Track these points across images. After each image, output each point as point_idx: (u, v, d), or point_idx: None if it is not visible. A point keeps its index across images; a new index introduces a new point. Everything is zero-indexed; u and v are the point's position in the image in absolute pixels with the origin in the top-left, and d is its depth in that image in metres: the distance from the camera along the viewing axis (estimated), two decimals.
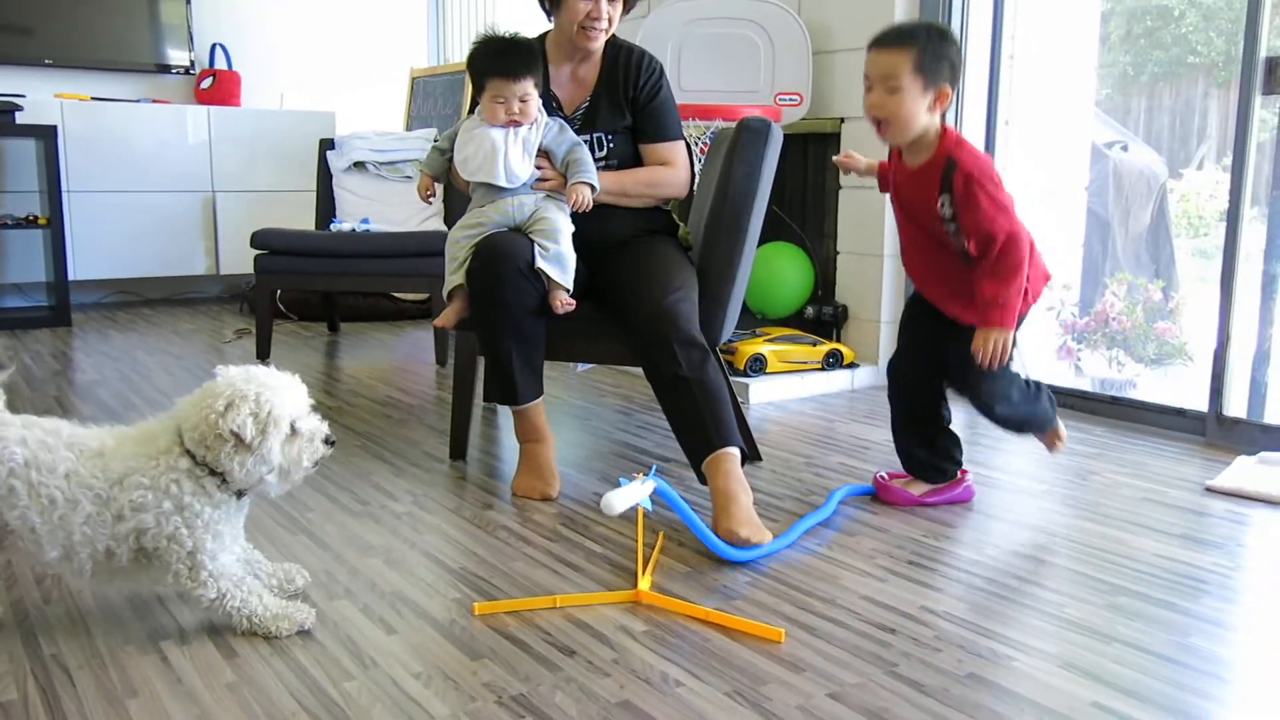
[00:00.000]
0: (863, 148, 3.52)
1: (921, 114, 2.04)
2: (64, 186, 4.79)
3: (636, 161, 2.49)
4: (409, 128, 5.85)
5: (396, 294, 4.97)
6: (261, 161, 5.50)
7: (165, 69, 5.53)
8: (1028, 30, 3.48)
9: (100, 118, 5.07)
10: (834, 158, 2.36)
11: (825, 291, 3.76)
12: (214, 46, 5.65)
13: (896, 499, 2.32)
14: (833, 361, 3.52)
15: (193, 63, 5.58)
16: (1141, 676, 1.52)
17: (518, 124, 2.27)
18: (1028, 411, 2.28)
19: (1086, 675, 1.52)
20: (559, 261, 2.25)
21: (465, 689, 1.45)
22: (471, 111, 2.40)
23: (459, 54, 6.32)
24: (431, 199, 2.47)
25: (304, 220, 5.04)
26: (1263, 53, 2.74)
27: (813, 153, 3.78)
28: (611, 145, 2.46)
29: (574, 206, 2.28)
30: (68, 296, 4.72)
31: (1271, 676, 1.55)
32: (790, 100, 3.59)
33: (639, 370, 3.28)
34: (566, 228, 2.28)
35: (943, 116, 2.09)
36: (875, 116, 2.06)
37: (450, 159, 2.38)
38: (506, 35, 2.32)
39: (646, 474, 1.87)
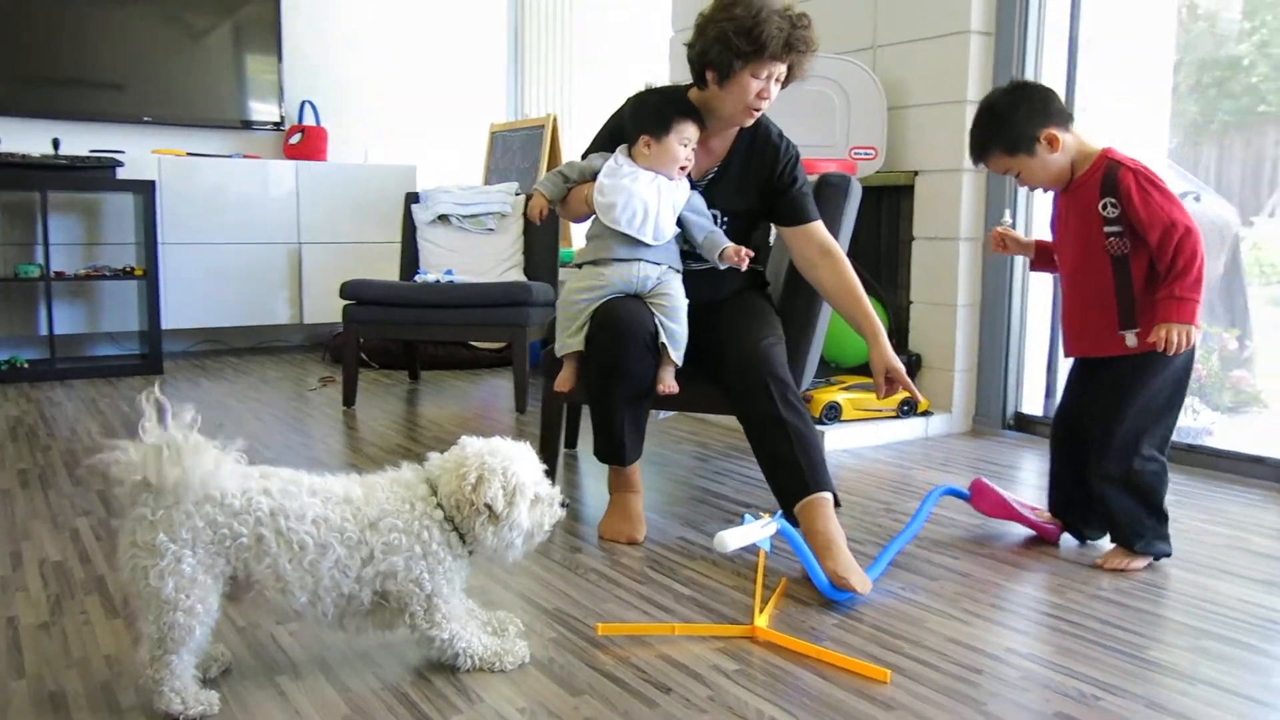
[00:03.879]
0: (935, 200, 3.59)
1: (1050, 164, 2.20)
2: (159, 239, 5.00)
3: (746, 245, 2.44)
4: (488, 181, 6.03)
5: (474, 343, 5.10)
6: (346, 214, 5.71)
7: (256, 125, 5.78)
8: (1098, 80, 3.52)
9: (194, 172, 5.31)
10: (993, 245, 2.41)
11: (899, 340, 3.80)
12: (303, 104, 5.89)
13: (989, 506, 2.43)
14: (907, 410, 3.55)
15: (282, 119, 5.83)
16: (1227, 716, 1.54)
17: (685, 171, 2.34)
18: (1157, 484, 2.22)
19: (1173, 715, 1.54)
20: (675, 340, 2.32)
21: None
22: (594, 149, 2.48)
23: (537, 110, 6.51)
24: (542, 219, 2.46)
25: (386, 270, 5.21)
26: None
27: (887, 205, 3.85)
28: (725, 227, 2.46)
29: (739, 261, 2.30)
30: (160, 345, 4.92)
31: None
32: (865, 154, 3.66)
33: (716, 418, 3.35)
34: (684, 305, 2.35)
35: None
36: (1027, 188, 2.31)
37: (570, 188, 2.43)
38: (678, 89, 2.45)
39: (772, 516, 1.96)
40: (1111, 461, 2.21)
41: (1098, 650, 1.79)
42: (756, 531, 1.88)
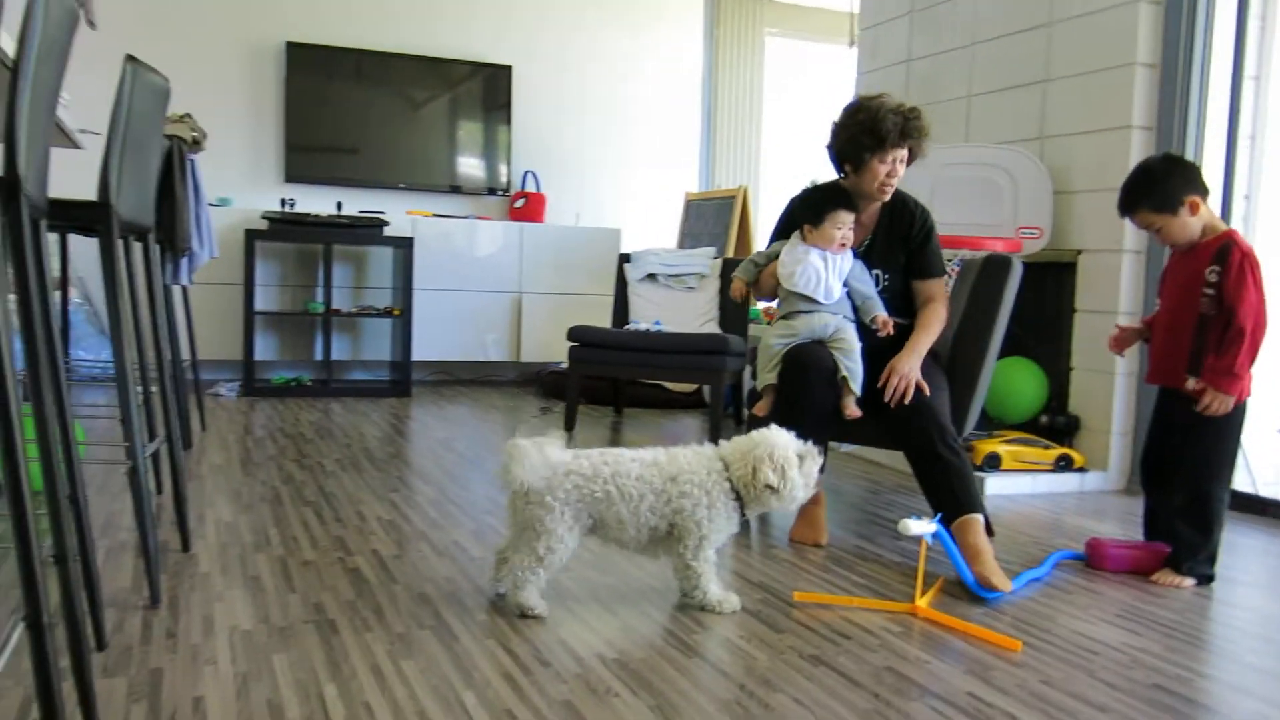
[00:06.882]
0: (1097, 277, 4.02)
1: (1189, 226, 2.63)
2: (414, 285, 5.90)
3: (905, 295, 3.05)
4: (681, 244, 6.73)
5: (668, 385, 5.75)
6: (558, 269, 6.51)
7: (489, 191, 6.67)
8: (1260, 171, 3.88)
9: (438, 230, 6.21)
10: (1110, 346, 2.91)
11: (1059, 403, 4.22)
12: (525, 173, 6.75)
13: (1106, 562, 2.81)
14: (1063, 464, 3.96)
15: (508, 185, 6.70)
16: None
17: (844, 247, 2.94)
18: (1214, 518, 2.66)
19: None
20: (854, 374, 2.88)
21: (776, 648, 2.09)
22: (774, 238, 3.11)
23: (727, 181, 7.21)
24: (743, 300, 3.08)
25: (592, 318, 5.94)
26: None
27: (1051, 280, 4.28)
28: (886, 281, 3.05)
29: (883, 329, 2.90)
30: (409, 373, 5.79)
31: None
32: (1031, 234, 4.13)
33: (887, 461, 3.89)
34: (859, 347, 2.91)
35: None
36: (1163, 244, 2.74)
37: (760, 271, 3.06)
38: (833, 184, 3.04)
39: (934, 518, 2.51)
40: (1181, 493, 2.67)
41: (1202, 652, 2.24)
42: (927, 525, 2.43)
